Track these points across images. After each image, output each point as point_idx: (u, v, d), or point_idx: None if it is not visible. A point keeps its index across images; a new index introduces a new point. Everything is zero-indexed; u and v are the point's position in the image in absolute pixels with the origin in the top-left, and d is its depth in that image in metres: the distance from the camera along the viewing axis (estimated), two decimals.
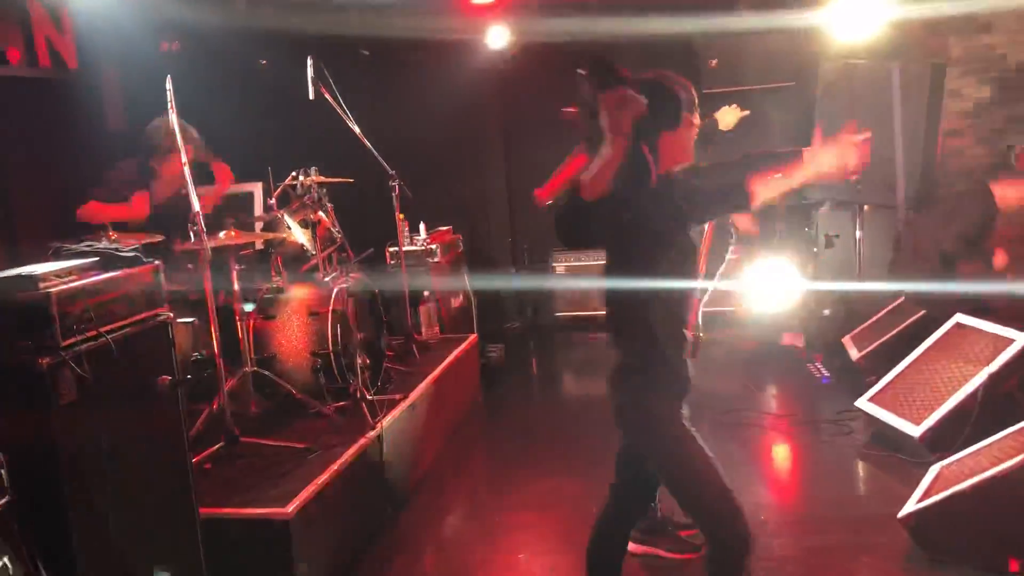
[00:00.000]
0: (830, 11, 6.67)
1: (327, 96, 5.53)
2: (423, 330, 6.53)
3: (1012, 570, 3.50)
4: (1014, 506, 3.47)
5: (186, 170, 4.17)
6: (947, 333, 5.24)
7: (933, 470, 4.14)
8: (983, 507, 3.57)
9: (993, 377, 4.61)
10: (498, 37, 7.75)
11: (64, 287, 2.76)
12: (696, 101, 2.95)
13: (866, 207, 6.65)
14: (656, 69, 2.99)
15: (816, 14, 6.99)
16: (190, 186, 4.17)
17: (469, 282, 7.41)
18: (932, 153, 6.68)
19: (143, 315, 3.11)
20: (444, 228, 7.55)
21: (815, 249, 7.47)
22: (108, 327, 2.90)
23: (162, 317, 3.19)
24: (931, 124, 6.59)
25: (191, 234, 4.26)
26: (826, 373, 6.42)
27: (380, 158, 6.04)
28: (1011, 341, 4.70)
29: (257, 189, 6.14)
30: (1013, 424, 3.99)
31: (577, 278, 8.17)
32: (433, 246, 7.13)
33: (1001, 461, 3.61)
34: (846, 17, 6.53)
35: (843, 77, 6.91)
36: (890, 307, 6.27)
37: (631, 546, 3.61)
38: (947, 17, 7.19)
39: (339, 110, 5.65)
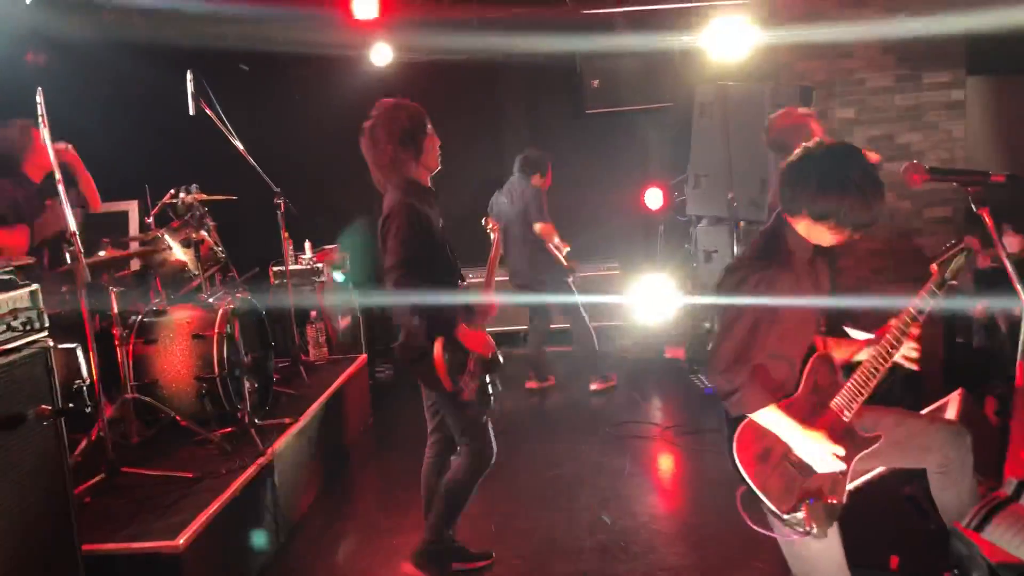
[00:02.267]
0: (706, 34, 6.92)
1: (208, 111, 5.36)
2: (311, 351, 6.39)
3: (893, 567, 3.67)
4: (893, 504, 3.64)
5: (60, 188, 3.96)
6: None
7: None
8: (864, 507, 3.73)
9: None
10: (381, 54, 7.70)
11: None
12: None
13: (741, 223, 6.89)
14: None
15: (692, 37, 7.25)
16: (64, 203, 3.96)
17: (357, 301, 7.29)
18: None
19: (19, 342, 2.92)
20: (330, 246, 7.42)
21: (695, 264, 7.70)
22: None
23: (41, 344, 3.01)
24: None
25: (65, 255, 4.05)
26: (709, 384, 6.61)
27: (264, 175, 5.89)
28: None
29: (133, 207, 5.89)
30: None
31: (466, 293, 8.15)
32: (319, 265, 7.00)
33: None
34: (720, 41, 6.79)
35: (718, 99, 7.18)
36: None
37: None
38: (812, 43, 7.57)
39: (221, 126, 5.49)
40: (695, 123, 7.44)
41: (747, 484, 2.56)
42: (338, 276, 7.12)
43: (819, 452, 2.62)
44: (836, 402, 2.72)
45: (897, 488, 3.60)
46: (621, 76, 7.94)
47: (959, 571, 1.48)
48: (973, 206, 2.26)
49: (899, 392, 4.48)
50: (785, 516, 2.55)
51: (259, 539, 4.21)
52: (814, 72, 7.77)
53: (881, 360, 2.71)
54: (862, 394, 2.71)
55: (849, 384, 2.73)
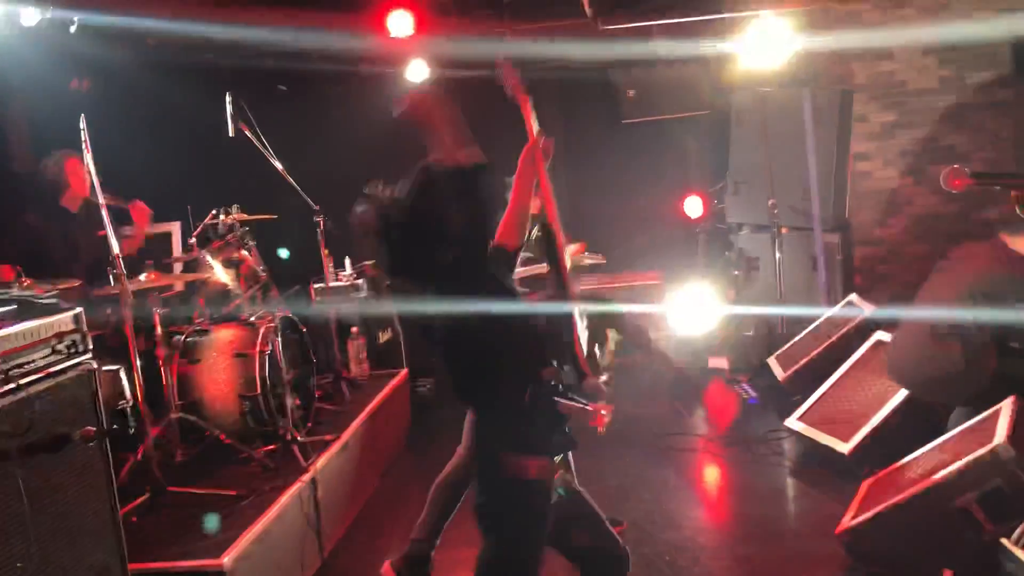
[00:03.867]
0: (741, 41, 6.86)
1: (247, 133, 5.43)
2: (352, 367, 6.42)
3: None
4: (944, 517, 3.56)
5: (104, 212, 4.04)
6: (868, 350, 5.39)
7: (864, 485, 4.23)
8: (915, 519, 3.65)
9: None
10: (417, 70, 7.75)
11: None
12: None
13: (783, 229, 6.82)
14: None
15: (728, 44, 7.19)
16: (108, 228, 4.04)
17: (397, 315, 7.31)
18: (844, 175, 6.93)
19: (65, 364, 2.97)
20: (369, 262, 7.45)
21: (736, 272, 7.63)
22: (28, 379, 2.76)
23: (85, 366, 3.06)
24: (841, 148, 6.85)
25: (110, 277, 4.12)
26: (753, 394, 6.54)
27: (304, 193, 5.95)
28: None
29: (175, 229, 5.99)
30: (936, 436, 4.12)
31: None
32: (359, 281, 7.03)
33: (929, 474, 3.71)
34: (756, 47, 6.72)
35: (756, 105, 7.12)
36: (812, 326, 6.43)
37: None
38: (851, 46, 7.48)
39: (260, 146, 5.56)
40: (733, 130, 7.39)
41: None
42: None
43: None
44: None
45: (950, 500, 3.53)
46: (657, 85, 7.90)
47: None
48: (1017, 209, 2.20)
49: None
50: None
51: (303, 555, 4.24)
52: (853, 75, 7.66)
53: None
54: None
55: None
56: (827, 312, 6.45)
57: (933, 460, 3.93)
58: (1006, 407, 3.81)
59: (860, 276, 7.26)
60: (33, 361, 2.83)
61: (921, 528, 3.66)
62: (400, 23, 6.77)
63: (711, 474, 5.39)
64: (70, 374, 3.00)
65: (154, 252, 5.28)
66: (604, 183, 7.18)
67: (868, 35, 7.24)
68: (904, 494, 3.71)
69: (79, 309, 3.13)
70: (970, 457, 3.53)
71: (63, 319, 3.03)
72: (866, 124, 7.57)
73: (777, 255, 6.77)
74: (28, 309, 2.98)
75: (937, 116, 7.57)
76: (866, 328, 5.78)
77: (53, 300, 3.08)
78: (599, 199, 6.80)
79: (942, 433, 4.11)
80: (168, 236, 5.97)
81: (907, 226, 7.66)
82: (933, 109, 7.59)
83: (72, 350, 3.03)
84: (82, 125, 4.08)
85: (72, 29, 5.43)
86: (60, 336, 2.98)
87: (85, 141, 4.05)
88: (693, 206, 7.87)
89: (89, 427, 3.04)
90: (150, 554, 3.63)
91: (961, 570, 3.57)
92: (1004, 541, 1.54)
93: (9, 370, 2.70)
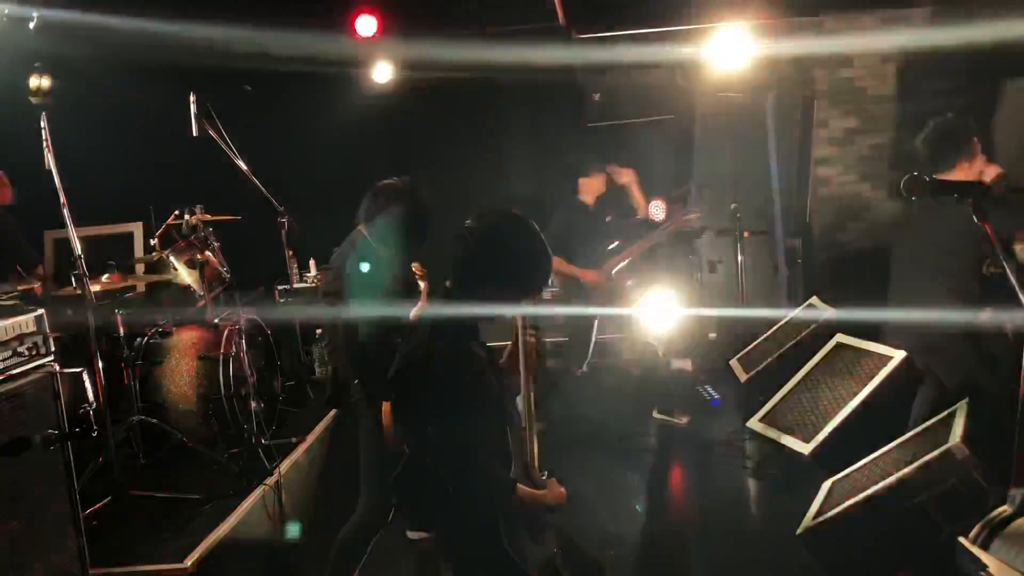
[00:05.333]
0: (705, 46, 6.93)
1: (211, 132, 5.38)
2: (316, 370, 6.39)
3: None
4: (902, 516, 3.63)
5: (65, 213, 3.98)
6: (829, 352, 5.46)
7: (825, 486, 4.30)
8: (876, 519, 3.72)
9: (874, 393, 4.83)
10: (382, 71, 7.73)
11: None
12: None
13: (746, 233, 6.90)
14: None
15: (692, 49, 7.26)
16: (70, 228, 3.99)
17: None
18: (806, 181, 7.03)
19: (26, 367, 2.93)
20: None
21: (699, 275, 7.70)
22: None
23: (47, 368, 3.02)
24: (803, 153, 6.95)
25: (71, 278, 4.07)
26: (715, 395, 6.60)
27: (268, 193, 5.91)
28: (889, 358, 4.93)
29: (137, 229, 5.92)
30: (896, 437, 4.20)
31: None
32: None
33: (889, 474, 3.78)
34: (720, 52, 6.79)
35: (720, 109, 7.21)
36: (774, 329, 6.51)
37: None
38: (812, 53, 7.60)
39: (224, 146, 5.51)
40: (697, 135, 7.46)
41: None
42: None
43: None
44: None
45: (907, 500, 3.60)
46: (622, 89, 7.95)
47: None
48: (975, 218, 2.26)
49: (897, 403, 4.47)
50: None
51: (269, 558, 4.21)
52: (815, 82, 7.78)
53: None
54: None
55: None
56: (788, 315, 6.54)
57: (892, 461, 4.01)
58: (961, 408, 3.90)
59: (821, 280, 7.36)
60: None
61: (880, 528, 3.73)
62: (365, 23, 6.75)
63: (673, 475, 5.44)
64: (31, 377, 2.97)
65: (116, 253, 5.23)
66: (568, 186, 7.19)
67: (829, 42, 7.36)
68: (863, 494, 3.78)
69: (40, 311, 3.10)
70: (926, 458, 3.61)
71: (24, 321, 2.99)
72: (827, 130, 7.69)
73: (739, 258, 6.85)
74: None
75: (896, 122, 7.71)
76: (827, 331, 5.87)
77: (14, 302, 3.04)
78: (562, 201, 6.81)
79: (901, 434, 4.19)
80: (130, 236, 5.90)
81: (867, 231, 7.78)
82: (892, 115, 7.72)
83: (34, 352, 3.00)
84: (43, 123, 4.02)
85: (32, 25, 5.34)
86: (21, 338, 2.95)
87: (46, 140, 3.99)
88: (657, 210, 7.92)
89: (50, 430, 3.02)
90: (112, 558, 3.60)
91: (919, 569, 3.65)
92: (961, 540, 1.59)
93: None
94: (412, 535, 4.14)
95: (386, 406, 3.29)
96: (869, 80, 7.79)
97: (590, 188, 6.39)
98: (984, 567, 1.48)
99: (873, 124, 7.75)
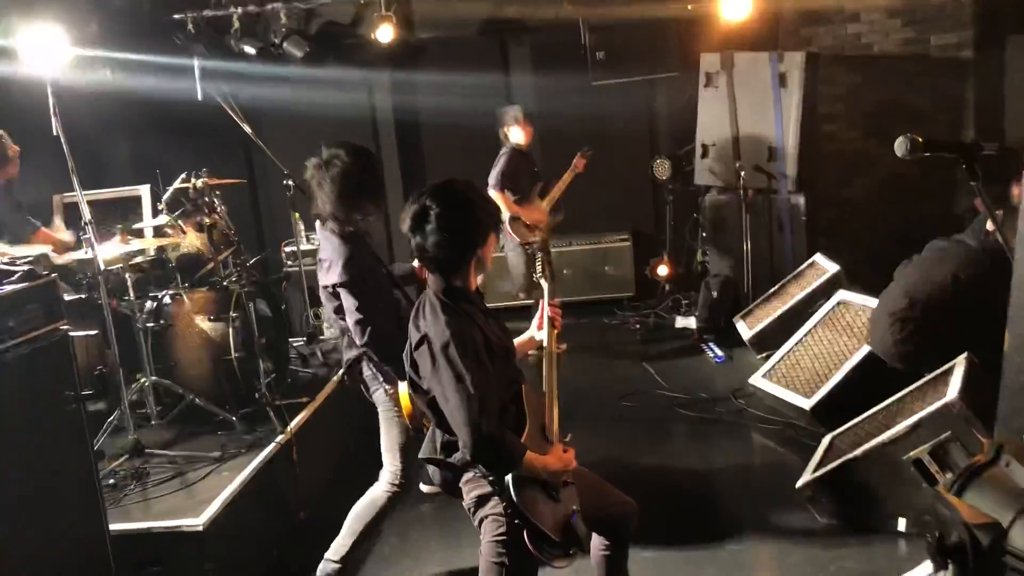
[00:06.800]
0: (709, 2, 6.89)
1: (217, 97, 5.42)
2: (325, 330, 6.47)
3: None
4: (901, 469, 3.70)
5: (74, 179, 4.05)
6: (832, 310, 5.52)
7: (825, 440, 4.38)
8: (874, 472, 3.81)
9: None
10: (387, 31, 7.71)
11: None
12: None
13: (750, 191, 6.92)
14: None
15: (696, 5, 7.22)
16: (78, 190, 4.05)
17: None
18: (810, 137, 7.02)
19: (41, 330, 3.01)
20: None
21: (703, 233, 7.73)
22: (6, 344, 2.80)
23: (61, 331, 3.09)
24: (807, 109, 6.93)
25: (83, 243, 4.15)
26: (720, 353, 6.66)
27: (273, 157, 5.95)
28: None
29: (145, 193, 5.96)
30: (895, 392, 4.27)
31: None
32: None
33: (888, 427, 3.85)
34: (725, 8, 6.74)
35: (724, 66, 7.17)
36: (778, 286, 6.57)
37: None
38: (817, 8, 7.55)
39: (229, 110, 5.54)
40: (701, 92, 7.44)
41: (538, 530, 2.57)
42: None
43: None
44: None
45: (902, 454, 3.67)
46: (626, 47, 7.91)
47: (941, 532, 1.54)
48: (970, 180, 2.29)
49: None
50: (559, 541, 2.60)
51: (281, 515, 4.32)
52: (820, 37, 7.74)
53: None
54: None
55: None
56: (792, 272, 6.59)
57: (890, 415, 4.08)
58: (959, 364, 3.96)
59: (825, 236, 7.38)
60: (10, 327, 2.86)
61: (878, 480, 3.81)
62: None
63: (677, 431, 5.51)
64: (47, 340, 3.04)
65: (123, 216, 5.29)
66: (573, 145, 7.21)
67: None
68: (862, 448, 3.86)
69: (54, 275, 3.17)
70: (924, 412, 3.68)
71: (39, 285, 3.05)
72: (832, 86, 7.65)
73: (744, 216, 6.88)
74: (4, 276, 3.00)
75: (901, 78, 7.66)
76: (830, 287, 5.93)
77: (29, 267, 3.10)
78: (568, 161, 6.82)
79: (900, 389, 4.26)
80: (138, 200, 5.95)
81: (871, 187, 7.78)
82: (898, 71, 7.67)
83: (49, 316, 3.06)
84: (49, 91, 4.07)
85: None
86: (37, 302, 3.01)
87: (54, 107, 4.04)
88: (662, 169, 7.94)
89: (67, 392, 3.11)
90: (128, 516, 3.70)
91: (915, 519, 3.74)
92: (939, 488, 1.66)
93: None
94: (425, 488, 4.26)
95: (402, 386, 3.37)
96: (875, 36, 7.74)
97: (525, 133, 6.36)
98: (958, 513, 1.55)
99: (879, 80, 7.71)
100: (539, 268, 3.16)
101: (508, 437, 2.62)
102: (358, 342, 3.49)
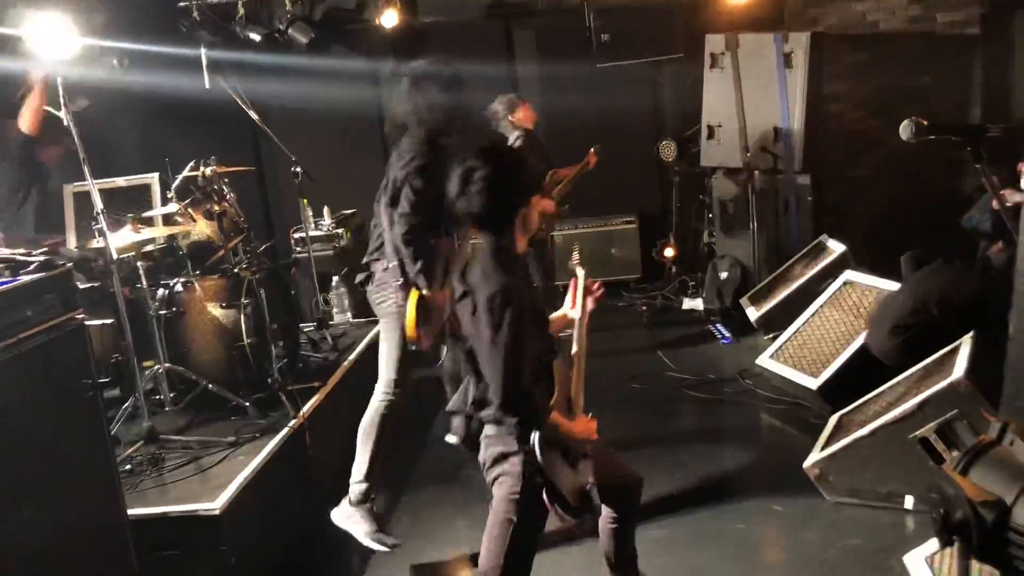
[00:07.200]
0: None
1: (224, 85, 5.44)
2: (335, 315, 6.52)
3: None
4: (908, 447, 3.74)
5: (85, 169, 4.08)
6: (838, 290, 5.55)
7: (832, 420, 4.42)
8: (881, 450, 3.84)
9: None
10: (391, 16, 7.72)
11: None
12: None
13: (756, 172, 6.92)
14: None
15: None
16: (91, 184, 4.09)
17: None
18: (815, 118, 7.02)
19: (58, 320, 3.05)
20: (348, 212, 7.51)
21: (709, 215, 7.74)
22: (25, 334, 2.84)
23: (77, 320, 3.14)
24: (813, 90, 6.92)
25: (94, 232, 4.18)
26: (727, 333, 6.70)
27: (280, 144, 5.98)
28: None
29: (154, 181, 5.99)
30: (902, 371, 4.30)
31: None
32: (339, 230, 7.10)
33: (895, 406, 3.89)
34: None
35: (729, 47, 7.17)
36: (784, 267, 6.59)
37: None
38: None
39: (237, 98, 5.57)
40: (706, 74, 7.44)
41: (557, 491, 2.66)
42: None
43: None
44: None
45: (909, 432, 3.71)
46: (631, 29, 7.90)
47: (945, 510, 1.57)
48: (975, 163, 2.30)
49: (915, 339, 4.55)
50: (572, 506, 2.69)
51: (295, 499, 4.38)
52: (825, 17, 7.71)
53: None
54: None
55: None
56: (799, 252, 6.61)
57: (897, 394, 4.12)
58: (966, 342, 3.98)
59: (831, 216, 7.39)
60: (28, 317, 2.91)
61: (885, 459, 3.85)
62: None
63: (685, 412, 5.56)
64: (63, 329, 3.08)
65: (133, 204, 5.32)
66: (579, 129, 7.22)
67: None
68: (869, 427, 3.89)
69: (69, 264, 3.21)
70: (931, 391, 3.71)
71: (55, 275, 3.09)
72: (838, 65, 7.64)
73: (750, 197, 6.89)
74: (20, 266, 3.05)
75: (907, 57, 7.64)
76: (836, 267, 5.95)
77: (44, 257, 3.14)
78: (574, 143, 6.83)
79: (907, 368, 4.29)
80: (147, 188, 5.97)
81: (878, 166, 7.78)
82: (903, 49, 7.65)
83: (65, 305, 3.10)
84: (59, 81, 4.10)
85: None
86: (53, 292, 3.05)
87: (63, 97, 4.07)
88: (668, 150, 7.94)
89: (84, 379, 3.15)
90: (146, 501, 3.76)
91: (922, 497, 3.78)
92: (944, 467, 1.69)
93: (3, 326, 2.78)
94: (450, 439, 4.33)
95: (413, 294, 3.62)
96: (881, 14, 7.71)
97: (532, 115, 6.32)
98: (962, 490, 1.58)
99: (885, 58, 7.69)
100: (576, 255, 3.29)
101: (537, 394, 2.69)
102: (399, 230, 3.68)
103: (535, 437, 2.62)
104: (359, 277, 4.12)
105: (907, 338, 4.50)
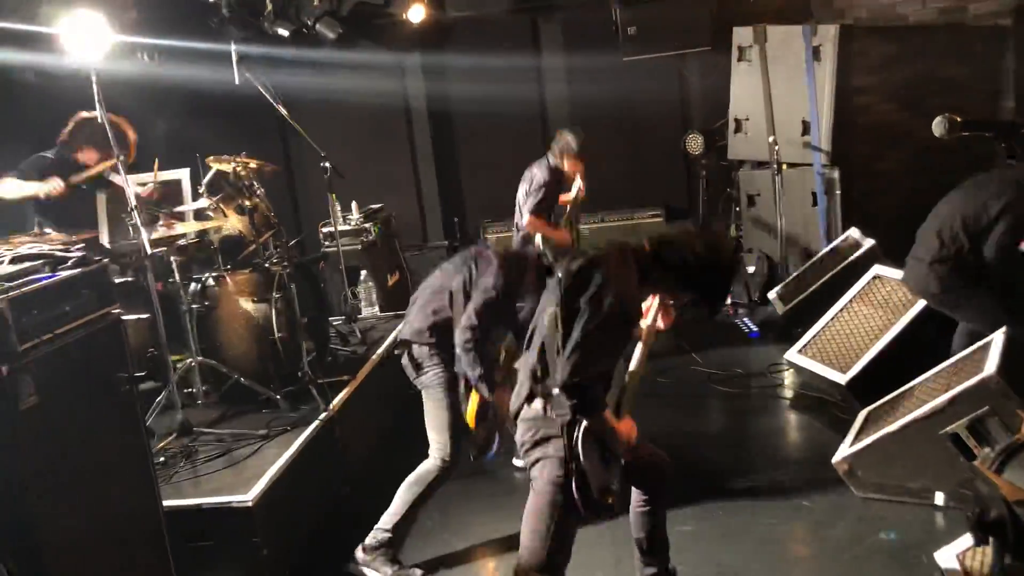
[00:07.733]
0: None
1: (254, 81, 5.49)
2: (363, 309, 6.57)
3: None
4: (938, 443, 3.73)
5: (120, 168, 4.14)
6: (867, 284, 5.51)
7: (861, 415, 4.40)
8: (909, 446, 3.83)
9: (911, 324, 4.89)
10: (418, 11, 7.75)
11: (17, 292, 2.75)
12: None
13: (784, 165, 6.89)
14: None
15: None
16: (125, 180, 4.15)
17: (404, 258, 7.46)
18: (844, 111, 6.97)
19: (95, 314, 3.10)
20: (376, 206, 7.55)
21: (737, 208, 7.72)
22: (63, 329, 2.90)
23: (114, 315, 3.19)
24: (842, 82, 6.88)
25: (128, 228, 4.25)
26: (755, 328, 6.67)
27: (309, 139, 6.02)
28: None
29: (185, 176, 6.05)
30: (932, 367, 4.27)
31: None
32: (367, 224, 7.14)
33: (925, 402, 3.86)
34: None
35: (756, 40, 7.13)
36: (812, 260, 6.55)
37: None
38: None
39: (266, 93, 5.61)
40: (734, 66, 7.41)
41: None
42: None
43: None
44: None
45: (939, 428, 3.69)
46: (658, 22, 7.88)
47: (979, 508, 1.57)
48: (1008, 158, 2.29)
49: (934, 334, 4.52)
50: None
51: (325, 491, 4.42)
52: (853, 8, 7.64)
53: None
54: None
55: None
56: (827, 246, 6.57)
57: (927, 390, 4.09)
58: (997, 338, 3.95)
59: (859, 210, 7.32)
60: (66, 312, 2.96)
61: (915, 455, 3.83)
62: None
63: (713, 407, 5.56)
64: (100, 324, 3.13)
65: (165, 200, 5.38)
66: (606, 122, 7.22)
67: None
68: (899, 422, 3.87)
69: (106, 260, 3.26)
70: (961, 387, 3.69)
71: (92, 270, 3.14)
72: (866, 58, 7.55)
73: (778, 191, 6.86)
74: (59, 262, 3.10)
75: (937, 48, 7.54)
76: (865, 262, 5.91)
77: (81, 252, 3.19)
78: (601, 137, 6.83)
79: (937, 364, 4.26)
80: (178, 183, 6.04)
81: (906, 159, 7.69)
82: (934, 41, 7.56)
83: (101, 300, 3.15)
84: (93, 78, 4.16)
85: None
86: (90, 287, 3.10)
87: (98, 94, 4.13)
88: (695, 144, 7.92)
89: (120, 372, 3.21)
90: (180, 492, 3.83)
91: (952, 493, 3.76)
92: (976, 464, 1.69)
93: (43, 321, 2.83)
94: (517, 463, 4.33)
95: (475, 396, 3.65)
96: (910, 5, 7.63)
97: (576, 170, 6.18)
98: (997, 489, 1.58)
99: (914, 51, 7.60)
100: None
101: (597, 388, 2.81)
102: (459, 338, 3.62)
103: (580, 426, 2.67)
104: (396, 350, 4.04)
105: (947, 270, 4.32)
